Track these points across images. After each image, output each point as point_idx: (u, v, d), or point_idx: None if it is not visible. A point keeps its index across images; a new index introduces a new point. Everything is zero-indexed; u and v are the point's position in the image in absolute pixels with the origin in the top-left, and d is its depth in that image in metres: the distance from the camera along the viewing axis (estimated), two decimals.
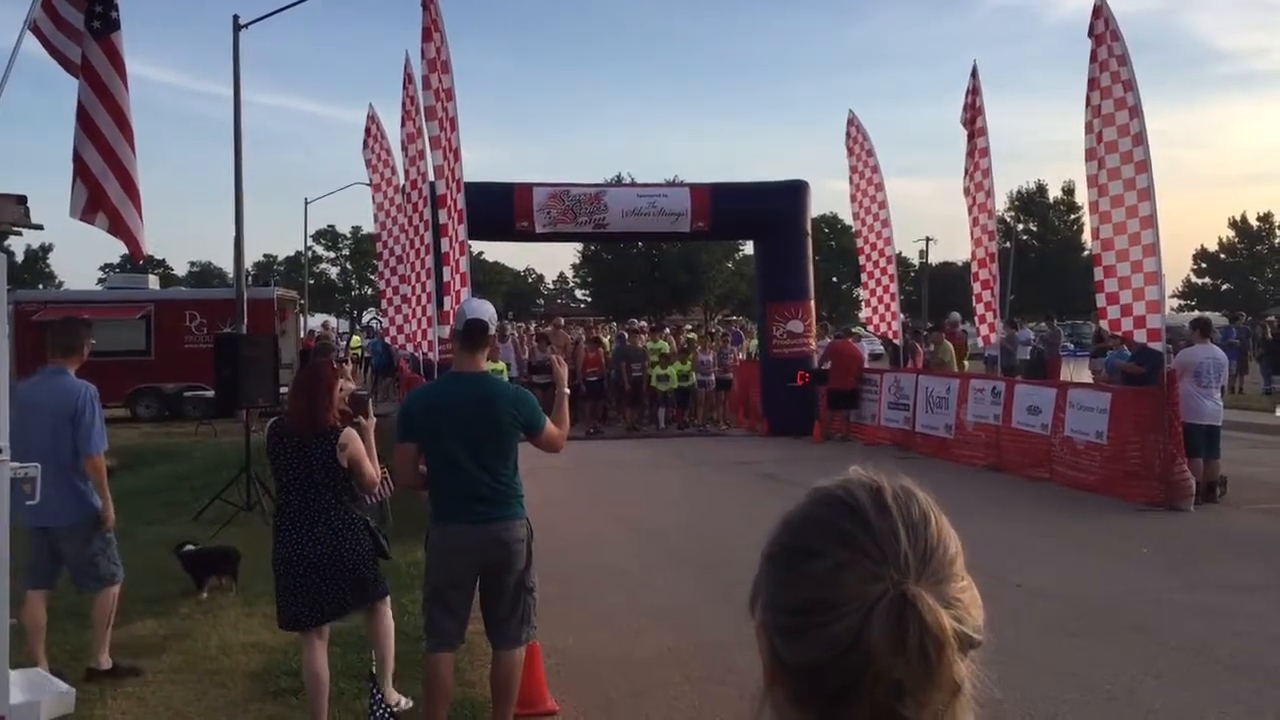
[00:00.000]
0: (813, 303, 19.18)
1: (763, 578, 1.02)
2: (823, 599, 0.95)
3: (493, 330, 5.02)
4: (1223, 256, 75.05)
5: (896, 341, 19.59)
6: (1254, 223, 74.31)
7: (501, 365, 16.49)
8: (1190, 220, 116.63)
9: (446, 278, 12.17)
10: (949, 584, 0.97)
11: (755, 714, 0.99)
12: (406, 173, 14.77)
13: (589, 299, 76.93)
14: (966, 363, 20.90)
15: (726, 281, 70.84)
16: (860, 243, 19.43)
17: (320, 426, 5.05)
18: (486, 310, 5.00)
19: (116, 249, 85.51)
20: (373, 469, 5.18)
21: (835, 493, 1.02)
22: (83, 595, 6.28)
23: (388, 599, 5.41)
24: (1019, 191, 73.48)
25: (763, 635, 1.01)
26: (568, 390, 5.37)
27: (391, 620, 5.41)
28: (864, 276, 19.54)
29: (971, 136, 16.75)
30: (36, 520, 6.04)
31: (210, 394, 17.09)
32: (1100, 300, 12.25)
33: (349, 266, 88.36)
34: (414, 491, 5.42)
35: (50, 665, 5.90)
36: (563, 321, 26.14)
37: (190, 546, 8.17)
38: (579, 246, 66.99)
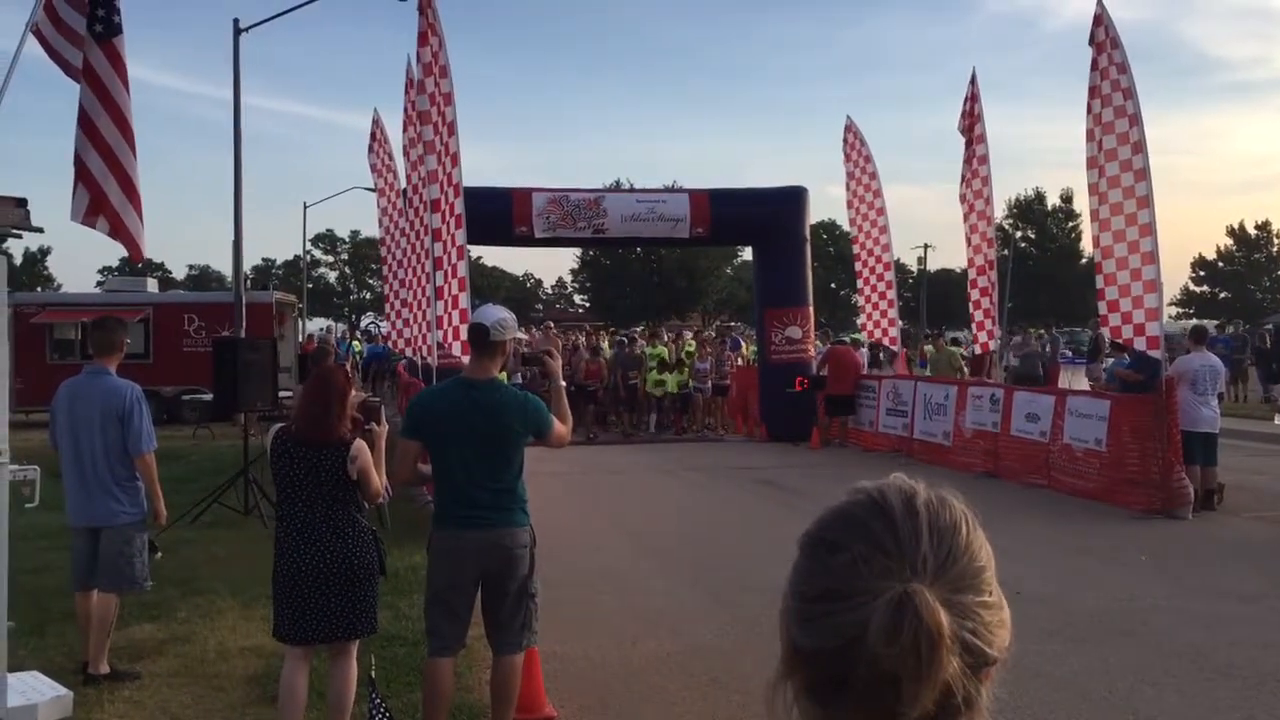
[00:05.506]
0: (811, 309, 19.19)
1: (793, 566, 1.06)
2: (837, 590, 0.99)
3: (496, 336, 4.83)
4: (1221, 265, 75.00)
5: (894, 348, 19.60)
6: (1252, 231, 74.30)
7: (503, 376, 16.41)
8: (1188, 228, 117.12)
9: (440, 282, 12.17)
10: (969, 594, 0.99)
11: (770, 699, 1.02)
12: (408, 177, 14.77)
13: (587, 304, 76.95)
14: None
15: (725, 287, 70.90)
16: (858, 249, 19.46)
17: (332, 437, 4.84)
18: (491, 315, 4.88)
19: (115, 252, 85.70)
20: (378, 481, 4.99)
21: (870, 492, 1.06)
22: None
23: (356, 645, 5.03)
24: (1017, 199, 73.62)
25: (783, 621, 1.04)
26: (563, 383, 5.40)
27: (356, 671, 5.03)
28: (860, 283, 19.57)
29: (970, 144, 16.79)
30: (85, 519, 6.07)
31: (209, 397, 17.07)
32: (1102, 308, 12.31)
33: (347, 270, 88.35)
34: (410, 487, 5.37)
35: (47, 668, 5.89)
36: (551, 325, 26.77)
37: None
38: (578, 251, 67.08)
